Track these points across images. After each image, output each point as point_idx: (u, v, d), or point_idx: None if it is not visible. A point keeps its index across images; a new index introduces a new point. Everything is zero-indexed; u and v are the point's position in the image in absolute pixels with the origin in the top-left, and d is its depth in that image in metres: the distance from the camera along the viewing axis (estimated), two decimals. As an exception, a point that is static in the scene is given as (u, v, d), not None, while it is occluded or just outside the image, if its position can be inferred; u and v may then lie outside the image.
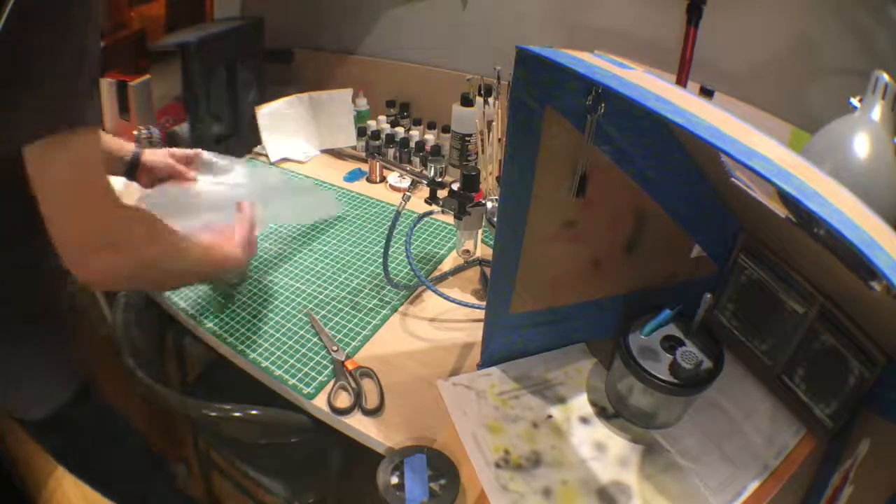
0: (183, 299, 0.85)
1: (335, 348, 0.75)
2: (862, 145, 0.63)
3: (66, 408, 0.77)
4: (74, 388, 0.78)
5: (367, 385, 0.70)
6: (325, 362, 0.74)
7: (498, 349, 0.71)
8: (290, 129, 1.27)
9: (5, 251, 0.65)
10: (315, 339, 0.78)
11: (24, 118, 0.51)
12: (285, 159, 1.27)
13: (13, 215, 0.62)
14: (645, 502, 0.57)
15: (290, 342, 0.77)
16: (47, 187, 0.53)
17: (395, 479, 0.57)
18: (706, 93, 0.91)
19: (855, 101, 0.66)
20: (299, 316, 0.82)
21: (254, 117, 1.23)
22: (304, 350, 0.76)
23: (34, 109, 0.52)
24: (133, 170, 0.88)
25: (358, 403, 0.67)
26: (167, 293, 0.86)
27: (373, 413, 0.66)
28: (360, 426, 0.65)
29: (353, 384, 0.70)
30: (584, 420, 0.66)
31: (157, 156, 0.92)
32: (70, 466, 0.87)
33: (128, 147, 0.88)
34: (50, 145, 0.52)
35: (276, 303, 0.85)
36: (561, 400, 0.68)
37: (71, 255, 0.56)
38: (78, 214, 0.55)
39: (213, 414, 0.72)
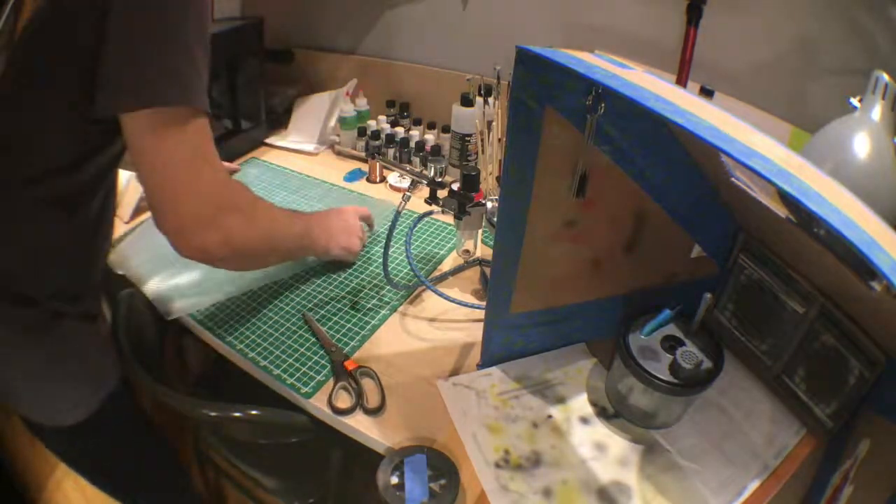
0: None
1: (333, 349, 0.75)
2: (862, 145, 0.63)
3: (105, 408, 0.73)
4: (112, 386, 0.75)
5: (368, 385, 0.70)
6: (323, 362, 0.74)
7: (498, 349, 0.71)
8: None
9: (40, 236, 0.65)
10: (314, 339, 0.78)
11: (138, 84, 0.53)
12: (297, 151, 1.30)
13: (49, 202, 0.63)
14: (645, 502, 0.57)
15: (289, 341, 0.77)
16: (164, 161, 0.55)
17: (395, 479, 0.57)
18: (706, 93, 0.91)
19: (855, 101, 0.67)
20: (298, 315, 0.82)
21: (253, 117, 1.23)
22: (302, 349, 0.76)
23: (151, 77, 0.53)
24: None
25: (359, 403, 0.67)
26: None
27: (374, 413, 0.66)
28: (360, 426, 0.65)
29: (354, 384, 0.70)
30: (584, 420, 0.66)
31: None
32: (97, 476, 0.85)
33: None
34: (164, 118, 0.54)
35: (276, 301, 0.85)
36: (561, 400, 0.68)
37: (185, 225, 0.58)
38: (194, 189, 0.57)
39: (213, 414, 0.72)
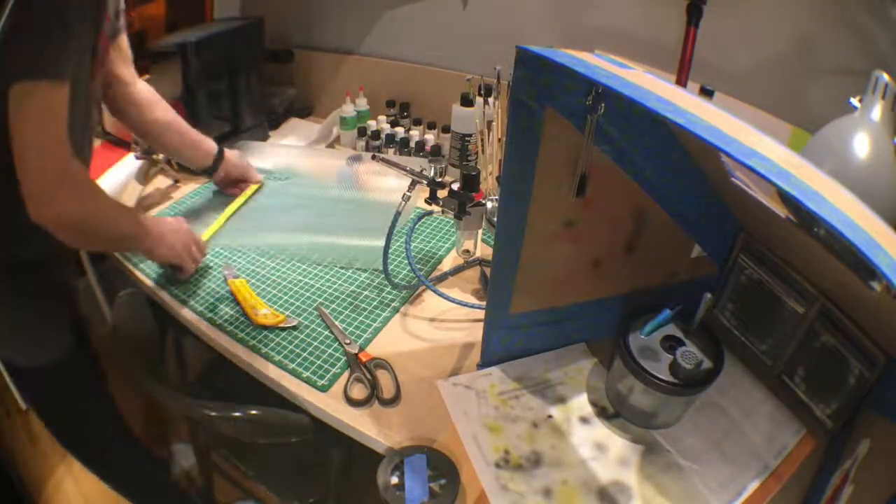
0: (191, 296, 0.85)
1: (348, 341, 0.76)
2: (862, 145, 0.63)
3: (64, 356, 0.84)
4: (74, 338, 0.85)
5: (382, 376, 0.71)
6: (337, 354, 0.75)
7: (498, 349, 0.71)
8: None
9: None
10: (326, 333, 0.78)
11: (5, 64, 0.59)
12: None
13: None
14: (645, 502, 0.57)
15: (302, 335, 0.78)
16: (18, 129, 0.61)
17: (395, 479, 0.57)
18: (706, 93, 0.91)
19: (855, 101, 0.66)
20: (309, 310, 0.82)
21: (253, 117, 1.23)
22: (315, 343, 0.77)
23: (15, 58, 0.59)
24: (216, 164, 1.03)
25: (374, 394, 0.68)
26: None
27: (390, 403, 0.67)
28: (360, 426, 0.65)
29: (369, 375, 0.70)
30: (584, 420, 0.66)
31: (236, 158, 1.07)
32: (48, 416, 0.96)
33: (210, 143, 1.03)
34: (21, 91, 0.60)
35: (286, 298, 0.85)
36: (561, 400, 0.68)
37: (33, 195, 0.63)
38: (39, 158, 0.62)
39: (213, 414, 0.72)
